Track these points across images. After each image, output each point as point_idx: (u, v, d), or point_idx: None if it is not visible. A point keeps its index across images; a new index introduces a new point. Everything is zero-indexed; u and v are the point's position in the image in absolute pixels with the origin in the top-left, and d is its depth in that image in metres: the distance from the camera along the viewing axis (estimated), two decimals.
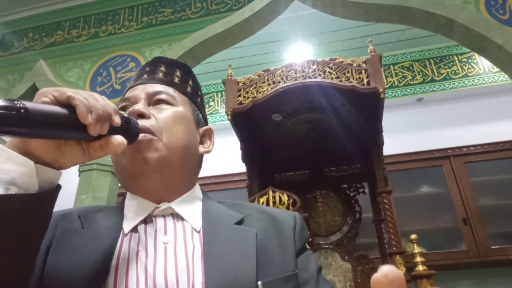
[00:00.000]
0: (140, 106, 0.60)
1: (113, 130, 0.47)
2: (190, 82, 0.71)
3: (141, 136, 0.56)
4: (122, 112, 0.52)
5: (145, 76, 0.68)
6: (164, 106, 0.63)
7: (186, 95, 0.68)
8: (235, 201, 0.69)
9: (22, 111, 0.37)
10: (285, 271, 0.56)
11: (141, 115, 0.60)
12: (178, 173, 0.61)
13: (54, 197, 0.44)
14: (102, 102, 0.45)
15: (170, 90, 0.66)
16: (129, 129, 0.51)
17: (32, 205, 0.41)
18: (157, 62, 0.71)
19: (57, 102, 0.42)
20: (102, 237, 0.55)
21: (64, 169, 0.46)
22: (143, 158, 0.57)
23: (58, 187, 0.45)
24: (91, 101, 0.44)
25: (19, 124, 0.37)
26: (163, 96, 0.64)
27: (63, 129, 0.42)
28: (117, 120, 0.47)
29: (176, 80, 0.68)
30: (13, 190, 0.39)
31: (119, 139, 0.48)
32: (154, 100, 0.64)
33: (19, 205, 0.39)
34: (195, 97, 0.71)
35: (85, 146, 0.47)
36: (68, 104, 0.42)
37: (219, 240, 0.56)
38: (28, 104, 0.38)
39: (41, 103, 0.41)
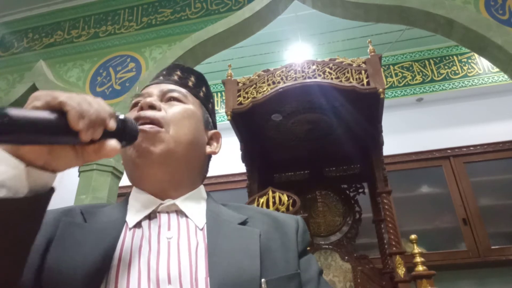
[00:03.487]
0: (152, 99, 0.63)
1: (109, 134, 0.47)
2: (203, 89, 0.74)
3: (149, 127, 0.59)
4: (118, 114, 0.51)
5: (161, 77, 0.72)
6: (176, 103, 0.66)
7: (198, 98, 0.71)
8: (238, 204, 0.70)
9: (6, 119, 0.36)
10: (288, 270, 0.57)
11: (152, 107, 0.62)
12: (183, 168, 0.62)
13: (45, 200, 0.43)
14: (95, 107, 0.44)
15: (183, 90, 0.69)
16: (125, 132, 0.50)
17: (20, 208, 0.40)
18: (174, 67, 0.74)
19: (48, 107, 0.41)
20: (105, 231, 0.55)
21: (58, 172, 0.45)
22: (148, 149, 0.58)
23: (52, 190, 0.45)
24: (84, 106, 0.43)
25: (3, 132, 0.37)
26: (175, 94, 0.67)
27: (52, 135, 0.41)
28: (111, 124, 0.46)
29: (190, 83, 0.72)
30: (2, 193, 0.39)
31: (112, 144, 0.47)
32: (166, 97, 0.66)
33: (7, 208, 0.39)
34: (207, 103, 0.73)
35: (79, 150, 0.46)
36: (60, 109, 0.42)
37: (223, 238, 0.57)
38: (13, 112, 0.37)
39: (33, 107, 0.41)
